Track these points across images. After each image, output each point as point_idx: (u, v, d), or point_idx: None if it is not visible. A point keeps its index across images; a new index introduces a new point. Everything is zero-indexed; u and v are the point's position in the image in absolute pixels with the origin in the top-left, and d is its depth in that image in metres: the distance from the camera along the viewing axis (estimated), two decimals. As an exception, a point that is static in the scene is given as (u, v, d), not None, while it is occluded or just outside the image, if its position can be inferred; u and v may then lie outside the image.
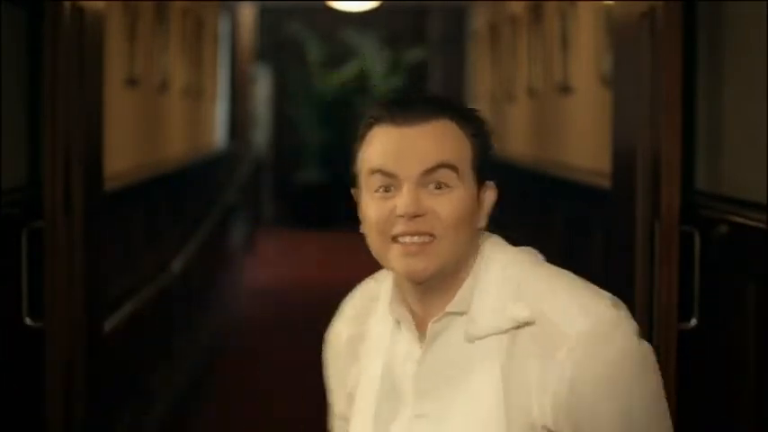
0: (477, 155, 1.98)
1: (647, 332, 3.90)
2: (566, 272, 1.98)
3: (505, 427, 1.89)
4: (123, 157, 6.21)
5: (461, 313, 1.96)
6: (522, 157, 8.62)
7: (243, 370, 8.26)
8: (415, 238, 1.93)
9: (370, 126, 2.00)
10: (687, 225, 3.88)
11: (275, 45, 17.18)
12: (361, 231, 2.00)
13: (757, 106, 3.67)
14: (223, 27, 12.32)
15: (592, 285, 1.97)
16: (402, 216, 1.93)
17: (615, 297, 1.94)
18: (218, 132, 12.05)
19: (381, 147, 1.97)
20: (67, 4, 3.93)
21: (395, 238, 1.95)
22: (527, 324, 1.91)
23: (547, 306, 1.91)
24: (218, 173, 11.03)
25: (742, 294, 3.63)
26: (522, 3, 8.96)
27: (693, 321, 3.90)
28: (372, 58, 17.14)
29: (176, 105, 8.56)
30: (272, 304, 10.97)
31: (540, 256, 2.02)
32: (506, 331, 1.93)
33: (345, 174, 2.07)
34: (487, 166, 1.99)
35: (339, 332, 2.19)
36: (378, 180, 1.96)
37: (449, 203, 1.94)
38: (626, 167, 4.18)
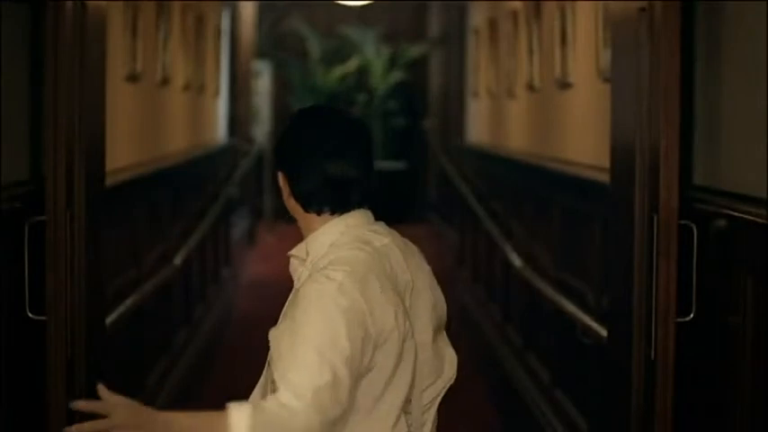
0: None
1: (645, 325, 3.92)
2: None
3: None
4: (125, 151, 6.23)
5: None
6: (522, 152, 8.63)
7: (244, 363, 8.27)
8: None
9: None
10: (686, 220, 3.90)
11: (276, 41, 17.19)
12: None
13: (756, 100, 3.67)
14: (224, 23, 12.33)
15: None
16: None
17: (353, 273, 2.87)
18: (219, 127, 12.06)
19: None
20: (69, 2, 3.95)
21: None
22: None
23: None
24: (220, 167, 11.05)
25: (740, 288, 3.65)
26: (522, -2, 8.97)
27: (691, 315, 3.92)
28: (372, 54, 17.14)
29: (178, 101, 8.57)
30: (273, 297, 10.95)
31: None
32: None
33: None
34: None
35: None
36: None
37: None
38: (625, 162, 4.19)
